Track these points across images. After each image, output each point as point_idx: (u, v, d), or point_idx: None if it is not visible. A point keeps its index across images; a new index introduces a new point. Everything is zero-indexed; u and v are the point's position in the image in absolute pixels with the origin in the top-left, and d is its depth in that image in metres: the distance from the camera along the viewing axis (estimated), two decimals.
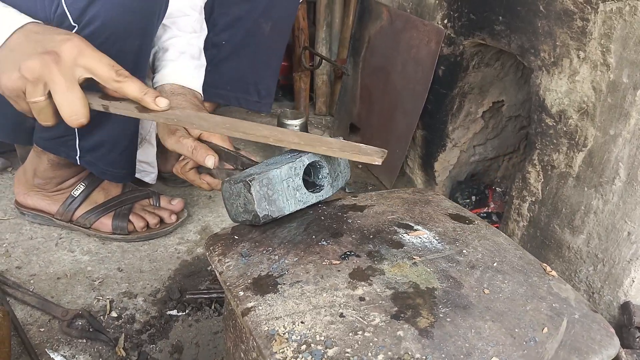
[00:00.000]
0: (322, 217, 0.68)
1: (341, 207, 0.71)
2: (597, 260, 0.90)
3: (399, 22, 1.38)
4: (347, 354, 0.47)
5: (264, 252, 0.61)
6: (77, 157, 1.05)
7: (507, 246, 0.64)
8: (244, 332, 0.59)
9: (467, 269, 0.58)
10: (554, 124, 0.96)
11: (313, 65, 1.87)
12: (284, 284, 0.56)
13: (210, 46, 1.24)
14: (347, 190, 1.49)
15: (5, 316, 0.86)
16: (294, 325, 0.50)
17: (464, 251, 0.61)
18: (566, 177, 0.95)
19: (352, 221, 0.67)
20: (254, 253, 0.61)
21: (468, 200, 1.34)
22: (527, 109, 1.31)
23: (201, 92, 1.04)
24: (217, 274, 0.60)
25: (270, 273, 0.58)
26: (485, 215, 1.31)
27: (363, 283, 0.55)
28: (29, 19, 0.67)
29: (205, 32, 1.16)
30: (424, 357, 0.47)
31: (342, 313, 0.51)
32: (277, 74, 1.48)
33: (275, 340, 0.49)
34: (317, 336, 0.49)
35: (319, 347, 0.48)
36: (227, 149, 0.80)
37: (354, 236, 0.63)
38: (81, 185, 1.18)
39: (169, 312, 1.01)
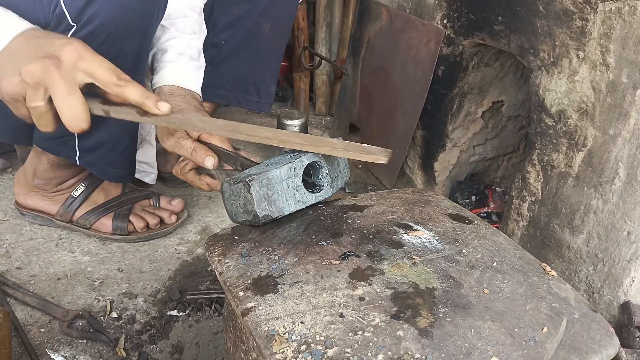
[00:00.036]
0: (322, 217, 0.68)
1: (341, 207, 0.71)
2: (597, 260, 0.91)
3: (399, 22, 1.39)
4: (347, 354, 0.47)
5: (264, 252, 0.61)
6: (77, 158, 1.05)
7: (506, 246, 0.64)
8: (244, 332, 0.59)
9: (467, 268, 0.58)
10: (554, 123, 0.96)
11: (313, 66, 1.87)
12: (284, 284, 0.56)
13: (210, 46, 1.24)
14: (346, 190, 1.49)
15: (5, 317, 0.86)
16: (294, 326, 0.50)
17: (464, 251, 0.61)
18: (566, 177, 0.95)
19: (352, 221, 0.67)
20: (253, 253, 0.61)
21: (468, 200, 1.34)
22: (526, 108, 1.31)
23: (200, 93, 1.04)
24: (217, 274, 0.60)
25: (270, 273, 0.58)
26: (485, 215, 1.31)
27: (363, 283, 0.55)
28: (30, 25, 0.66)
29: (205, 33, 1.16)
30: (424, 357, 0.47)
31: (342, 313, 0.52)
32: (277, 74, 1.48)
33: (275, 341, 0.49)
34: (317, 336, 0.49)
35: (319, 347, 0.48)
36: (227, 150, 0.80)
37: (353, 236, 0.64)
38: (81, 186, 1.18)
39: (169, 313, 1.02)
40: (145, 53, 0.98)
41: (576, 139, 0.92)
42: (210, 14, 1.27)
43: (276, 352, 0.48)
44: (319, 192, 0.70)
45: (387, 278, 0.56)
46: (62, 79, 0.61)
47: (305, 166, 0.66)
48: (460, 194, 1.36)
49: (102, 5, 0.83)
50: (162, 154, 1.37)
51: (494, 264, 0.60)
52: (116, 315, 1.00)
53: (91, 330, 0.95)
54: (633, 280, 0.86)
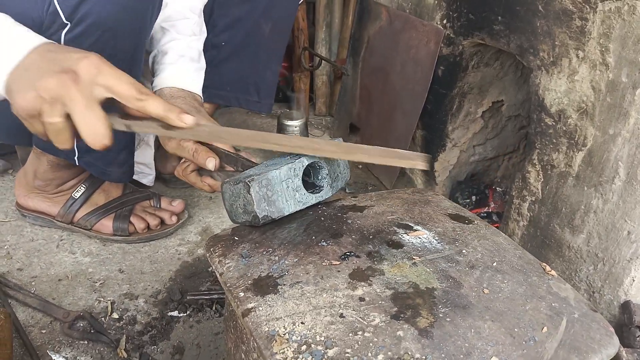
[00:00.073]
0: (322, 218, 0.68)
1: (341, 208, 0.71)
2: (597, 259, 0.91)
3: (398, 23, 1.39)
4: (347, 354, 0.47)
5: (264, 253, 0.61)
6: (76, 158, 1.05)
7: (506, 246, 0.64)
8: (244, 332, 0.59)
9: (467, 268, 0.59)
10: (554, 123, 0.96)
11: (313, 66, 1.88)
12: (284, 284, 0.56)
13: (210, 47, 1.24)
14: (347, 190, 1.49)
15: (6, 318, 0.86)
16: (294, 326, 0.50)
17: (464, 251, 0.62)
18: (566, 177, 0.95)
19: (352, 222, 0.67)
20: (254, 254, 0.61)
21: (468, 200, 1.34)
22: (526, 108, 1.31)
23: (201, 95, 1.04)
24: (218, 275, 0.60)
25: (270, 274, 0.58)
26: (485, 215, 1.31)
27: (363, 283, 0.56)
28: (44, 39, 0.64)
29: (205, 34, 1.16)
30: (424, 357, 0.47)
31: (342, 313, 0.52)
32: (277, 74, 1.48)
33: (276, 341, 0.49)
34: (317, 336, 0.49)
35: (319, 348, 0.48)
36: (228, 151, 0.80)
37: (353, 237, 0.64)
38: (82, 187, 1.18)
39: (170, 313, 1.02)
40: (141, 52, 0.98)
41: (576, 139, 0.92)
42: (210, 15, 1.27)
43: (277, 353, 0.48)
44: (319, 192, 0.70)
45: (387, 278, 0.56)
46: (80, 94, 0.59)
47: (305, 167, 0.67)
48: (460, 194, 1.36)
49: (95, 3, 0.83)
50: (162, 155, 1.37)
51: (494, 264, 0.60)
52: (117, 316, 1.00)
53: (92, 331, 0.96)
54: (633, 280, 0.86)
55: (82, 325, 0.97)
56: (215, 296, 1.04)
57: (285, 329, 0.50)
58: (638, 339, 0.85)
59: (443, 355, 0.47)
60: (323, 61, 1.83)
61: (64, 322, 0.96)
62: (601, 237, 0.89)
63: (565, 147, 0.94)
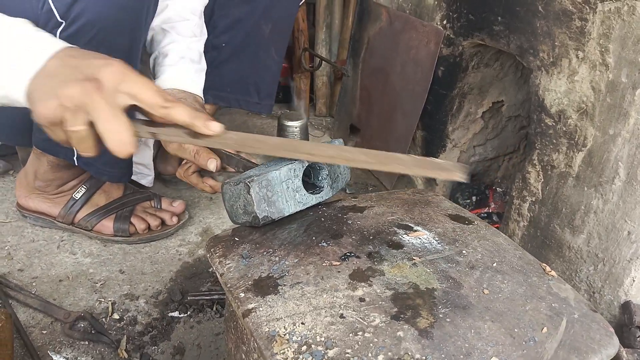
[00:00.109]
0: (322, 219, 0.68)
1: (341, 209, 0.71)
2: (597, 259, 0.91)
3: (398, 23, 1.39)
4: (347, 355, 0.47)
5: (265, 253, 0.61)
6: (75, 158, 1.05)
7: (506, 246, 0.64)
8: (245, 333, 0.60)
9: (467, 269, 0.59)
10: (554, 124, 0.96)
11: (313, 67, 1.88)
12: (285, 285, 0.56)
13: (210, 48, 1.24)
14: (347, 191, 1.49)
15: (7, 319, 0.86)
16: (294, 326, 0.51)
17: (464, 252, 0.62)
18: (566, 177, 0.95)
19: (352, 222, 0.67)
20: (254, 254, 0.61)
21: (468, 201, 1.34)
22: (526, 109, 1.31)
23: (202, 96, 1.04)
24: (218, 276, 0.61)
25: (270, 274, 0.58)
26: (485, 215, 1.31)
27: (363, 284, 0.56)
28: (64, 43, 0.63)
29: (205, 35, 1.17)
30: (424, 358, 0.47)
31: (342, 314, 0.52)
32: (278, 75, 1.49)
33: (276, 341, 0.49)
34: (318, 337, 0.49)
35: (320, 348, 0.48)
36: (229, 152, 0.81)
37: (354, 237, 0.64)
38: (82, 188, 1.18)
39: (170, 314, 1.02)
40: (137, 50, 0.98)
41: (576, 139, 0.92)
42: (210, 16, 1.28)
43: (277, 353, 0.48)
44: (319, 193, 0.70)
45: (387, 279, 0.56)
46: (104, 102, 0.57)
47: (305, 167, 0.67)
48: (460, 194, 1.36)
49: (89, 2, 0.83)
50: (163, 156, 1.37)
51: (494, 265, 0.60)
52: (118, 317, 1.00)
53: (93, 332, 0.96)
54: (634, 280, 0.86)
55: (82, 325, 0.97)
56: (216, 297, 1.04)
57: (286, 330, 0.50)
58: (638, 339, 0.85)
59: (443, 355, 0.48)
60: (323, 62, 1.83)
61: (64, 322, 0.96)
62: (601, 238, 0.89)
63: (565, 148, 0.94)
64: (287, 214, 0.66)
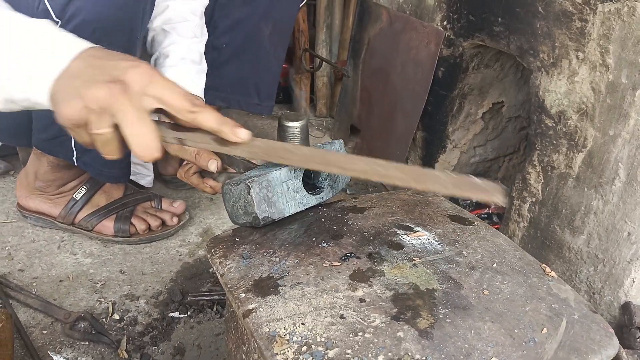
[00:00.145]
0: (323, 219, 0.68)
1: (341, 209, 0.71)
2: (597, 260, 0.91)
3: (399, 24, 1.39)
4: (347, 355, 0.47)
5: (265, 254, 0.61)
6: (74, 158, 1.05)
7: (506, 247, 0.64)
8: (245, 333, 0.60)
9: (467, 270, 0.59)
10: (554, 124, 0.96)
11: (313, 67, 1.88)
12: (285, 285, 0.56)
13: (210, 49, 1.24)
14: (347, 192, 1.49)
15: (8, 319, 0.86)
16: (294, 327, 0.51)
17: (464, 252, 0.62)
18: (566, 178, 0.95)
19: (353, 223, 0.67)
20: (254, 255, 0.62)
21: (468, 202, 1.34)
22: (526, 109, 1.31)
23: (203, 97, 1.04)
24: (219, 276, 0.61)
25: (271, 275, 0.58)
26: (486, 216, 1.31)
27: (363, 284, 0.56)
28: (89, 44, 0.61)
29: (206, 36, 1.17)
30: (424, 358, 0.47)
31: (342, 314, 0.52)
32: (278, 76, 1.49)
33: (277, 342, 0.49)
34: (318, 337, 0.49)
35: (320, 348, 0.48)
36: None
37: (354, 238, 0.64)
38: (83, 188, 1.19)
39: (170, 314, 1.02)
40: (134, 50, 0.98)
41: (576, 140, 0.92)
42: (210, 17, 1.28)
43: (277, 354, 0.48)
44: (319, 193, 0.70)
45: (388, 279, 0.57)
46: (130, 105, 0.56)
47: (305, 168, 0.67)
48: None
49: (85, 0, 0.83)
50: (163, 157, 1.37)
51: (494, 265, 0.60)
52: (118, 317, 1.00)
53: (93, 332, 0.96)
54: (634, 281, 0.86)
55: (83, 326, 0.97)
56: (216, 297, 1.05)
57: (286, 330, 0.50)
58: (638, 340, 0.85)
59: (443, 356, 0.48)
60: (323, 63, 1.83)
61: (65, 322, 0.96)
62: (601, 238, 0.89)
63: (566, 149, 0.94)
64: (288, 215, 0.66)
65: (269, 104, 1.46)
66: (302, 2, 1.45)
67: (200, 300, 1.04)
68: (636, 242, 0.84)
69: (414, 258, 0.60)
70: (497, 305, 0.54)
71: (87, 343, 0.94)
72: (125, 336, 0.96)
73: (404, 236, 0.64)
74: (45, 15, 0.83)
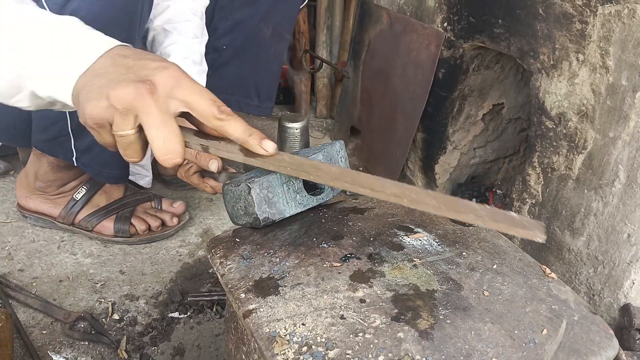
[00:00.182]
0: (323, 220, 0.68)
1: (342, 210, 0.71)
2: (597, 262, 0.91)
3: (399, 26, 1.39)
4: (347, 356, 0.47)
5: (265, 254, 0.62)
6: (74, 159, 1.05)
7: (506, 248, 0.64)
8: (245, 334, 0.60)
9: (467, 271, 0.59)
10: (554, 126, 0.96)
11: (314, 69, 1.88)
12: (285, 286, 0.56)
13: (211, 50, 1.25)
14: (347, 192, 1.49)
15: (7, 319, 0.86)
16: (295, 327, 0.51)
17: (464, 253, 0.62)
18: (566, 180, 0.95)
19: (353, 224, 0.67)
20: (255, 255, 0.62)
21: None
22: (527, 111, 1.31)
23: None
24: (219, 276, 0.61)
25: (271, 275, 0.58)
26: None
27: (363, 285, 0.56)
28: (117, 42, 0.59)
29: (207, 37, 1.17)
30: (424, 359, 0.47)
31: (342, 315, 0.52)
32: (278, 77, 1.49)
33: (277, 342, 0.49)
34: (318, 338, 0.49)
35: (320, 349, 0.48)
36: None
37: (354, 239, 0.64)
38: (83, 189, 1.19)
39: (170, 315, 1.02)
40: None
41: (576, 142, 0.92)
42: (211, 18, 1.28)
43: (277, 354, 0.48)
44: (319, 194, 0.70)
45: (388, 280, 0.57)
46: (156, 107, 0.54)
47: None
48: (461, 196, 1.36)
49: (83, 0, 0.83)
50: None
51: (494, 266, 0.60)
52: (118, 317, 1.00)
53: (93, 332, 0.96)
54: (633, 283, 0.87)
55: (82, 326, 0.97)
56: (216, 297, 1.05)
57: (286, 330, 0.50)
58: (638, 341, 0.85)
59: (443, 357, 0.48)
60: (324, 64, 1.83)
61: (64, 322, 0.96)
62: (601, 240, 0.89)
63: (566, 150, 0.94)
64: (288, 216, 0.66)
65: (269, 105, 1.46)
66: (303, 3, 1.45)
67: (200, 300, 1.04)
68: (636, 243, 0.84)
69: (415, 259, 0.60)
70: (497, 307, 0.54)
71: (86, 343, 0.94)
72: (125, 336, 0.96)
73: (405, 237, 0.64)
74: None
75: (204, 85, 1.07)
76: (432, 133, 1.35)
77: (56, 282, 1.07)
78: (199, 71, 1.08)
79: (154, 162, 1.34)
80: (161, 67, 0.56)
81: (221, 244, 0.65)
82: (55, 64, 0.57)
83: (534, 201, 1.03)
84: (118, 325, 0.99)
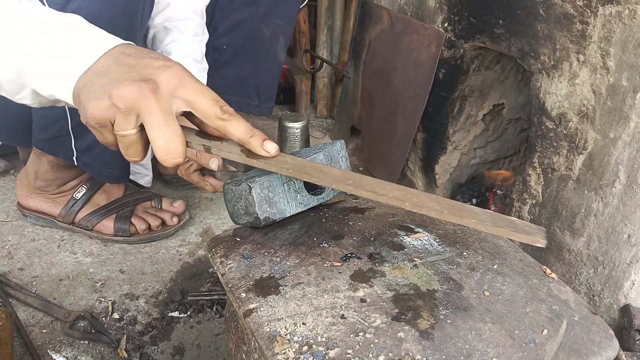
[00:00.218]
0: (324, 220, 0.68)
1: (342, 210, 0.71)
2: (597, 262, 0.91)
3: (400, 26, 1.39)
4: (348, 355, 0.47)
5: (266, 254, 0.62)
6: (74, 158, 1.05)
7: (507, 249, 0.64)
8: (245, 333, 0.60)
9: (468, 271, 0.59)
10: (554, 126, 0.96)
11: (314, 68, 1.88)
12: (286, 285, 0.56)
13: (211, 50, 1.25)
14: (348, 192, 1.49)
15: (7, 318, 0.86)
16: (295, 327, 0.51)
17: (465, 253, 0.62)
18: (566, 180, 0.95)
19: (353, 223, 0.67)
20: (255, 255, 0.62)
21: (469, 203, 1.35)
22: (527, 111, 1.31)
23: None
24: (220, 276, 0.61)
25: (272, 275, 0.58)
26: None
27: (364, 285, 0.56)
28: (119, 40, 0.58)
29: (207, 36, 1.17)
30: (425, 359, 0.47)
31: (343, 314, 0.52)
32: (278, 77, 1.49)
33: (277, 342, 0.49)
34: (319, 337, 0.49)
35: (321, 348, 0.48)
36: None
37: (355, 238, 0.64)
38: (83, 188, 1.19)
39: (170, 314, 1.02)
40: None
41: (577, 142, 0.92)
42: (211, 18, 1.28)
43: (278, 353, 0.48)
44: (320, 194, 0.70)
45: (388, 280, 0.57)
46: (158, 106, 0.53)
47: None
48: (461, 196, 1.36)
49: (85, 1, 0.83)
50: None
51: (495, 267, 0.60)
52: (118, 317, 1.00)
53: (93, 331, 0.96)
54: (633, 284, 0.87)
55: (82, 325, 0.97)
56: (216, 297, 1.05)
57: (287, 330, 0.50)
58: (638, 342, 0.85)
59: (444, 357, 0.48)
60: (324, 64, 1.83)
61: (64, 321, 0.96)
62: (601, 241, 0.89)
63: (566, 151, 0.94)
64: (289, 215, 0.66)
65: (269, 105, 1.46)
66: (303, 3, 1.45)
67: (200, 300, 1.04)
68: (636, 244, 0.84)
69: (415, 259, 0.60)
70: (498, 307, 0.54)
71: (86, 342, 0.94)
72: (125, 335, 0.96)
73: (405, 237, 0.64)
74: None
75: (205, 83, 1.07)
76: (432, 133, 1.35)
77: (56, 281, 1.07)
78: (200, 69, 1.08)
79: (154, 161, 1.34)
80: (165, 66, 0.55)
81: (222, 244, 0.65)
82: (55, 64, 0.56)
83: (534, 202, 1.03)
84: (118, 324, 0.99)
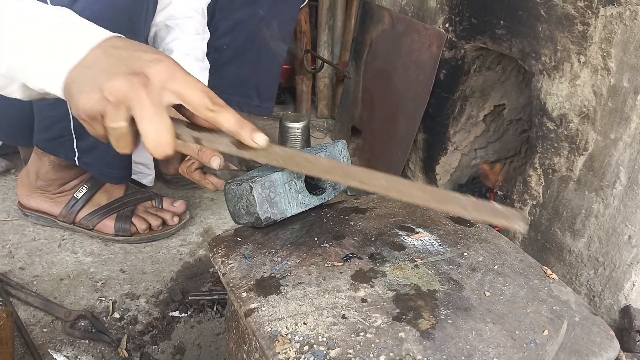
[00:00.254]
0: (325, 220, 0.68)
1: (343, 210, 0.71)
2: (597, 263, 0.91)
3: (401, 26, 1.39)
4: (349, 355, 0.47)
5: (267, 253, 0.62)
6: (76, 158, 1.05)
7: (508, 249, 0.64)
8: (246, 333, 0.60)
9: (468, 271, 0.59)
10: (555, 127, 0.96)
11: (315, 69, 1.88)
12: (287, 285, 0.56)
13: (211, 50, 1.25)
14: (349, 192, 1.49)
15: (8, 317, 0.86)
16: (296, 326, 0.51)
17: (465, 254, 0.62)
18: (567, 181, 0.95)
19: (354, 223, 0.67)
20: (256, 255, 0.62)
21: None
22: (528, 112, 1.31)
23: None
24: (221, 275, 0.61)
25: (273, 274, 0.58)
26: None
27: (365, 285, 0.56)
28: (110, 33, 0.58)
29: (208, 35, 1.17)
30: (425, 359, 0.47)
31: (344, 314, 0.52)
32: (279, 77, 1.49)
33: (278, 341, 0.49)
34: (320, 337, 0.49)
35: (322, 348, 0.48)
36: None
37: (356, 238, 0.64)
38: (84, 187, 1.19)
39: (171, 314, 1.02)
40: None
41: (577, 143, 0.92)
42: (211, 18, 1.28)
43: (279, 353, 0.48)
44: (321, 194, 0.70)
45: (389, 280, 0.57)
46: (148, 99, 0.54)
47: None
48: None
49: (87, 2, 0.83)
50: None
51: (495, 267, 0.60)
52: (118, 316, 1.00)
53: (93, 331, 0.96)
54: (634, 285, 0.87)
55: (83, 324, 0.97)
56: (217, 297, 1.05)
57: (288, 330, 0.50)
58: (638, 343, 0.85)
59: (444, 357, 0.48)
60: (325, 64, 1.83)
61: (65, 321, 0.96)
62: (602, 242, 0.89)
63: (567, 152, 0.94)
64: (290, 215, 0.66)
65: (269, 105, 1.46)
66: (303, 3, 1.45)
67: (201, 299, 1.04)
68: (637, 245, 0.84)
69: (416, 259, 0.60)
70: (499, 307, 0.54)
71: (87, 341, 0.94)
72: (126, 335, 0.96)
73: (406, 237, 0.64)
74: None
75: (206, 82, 1.07)
76: (433, 134, 1.35)
77: (57, 280, 1.07)
78: (201, 68, 1.08)
79: (156, 161, 1.34)
80: (156, 59, 0.56)
81: (223, 243, 0.65)
82: (45, 59, 0.57)
83: (534, 202, 1.03)
84: (119, 323, 0.99)
